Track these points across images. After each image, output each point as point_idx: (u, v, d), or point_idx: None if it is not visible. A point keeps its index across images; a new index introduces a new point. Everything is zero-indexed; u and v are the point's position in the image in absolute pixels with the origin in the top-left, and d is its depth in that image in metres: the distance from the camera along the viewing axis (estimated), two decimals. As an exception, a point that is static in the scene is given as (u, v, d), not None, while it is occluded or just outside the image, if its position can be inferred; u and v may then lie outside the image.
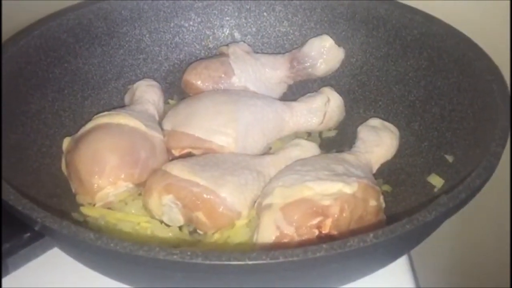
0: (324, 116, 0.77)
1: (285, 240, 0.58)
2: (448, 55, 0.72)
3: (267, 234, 0.59)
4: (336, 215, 0.58)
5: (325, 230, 0.59)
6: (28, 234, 0.53)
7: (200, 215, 0.63)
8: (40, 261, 0.55)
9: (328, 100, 0.77)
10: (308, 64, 0.81)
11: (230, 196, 0.63)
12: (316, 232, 0.59)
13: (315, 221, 0.59)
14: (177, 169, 0.64)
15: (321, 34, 0.82)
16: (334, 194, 0.60)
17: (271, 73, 0.81)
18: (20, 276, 0.56)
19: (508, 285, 0.97)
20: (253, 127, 0.72)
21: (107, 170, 0.65)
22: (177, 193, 0.63)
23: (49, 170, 0.69)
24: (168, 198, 0.64)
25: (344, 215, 0.59)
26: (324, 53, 0.80)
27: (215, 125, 0.71)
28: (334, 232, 0.59)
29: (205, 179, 0.63)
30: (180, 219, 0.65)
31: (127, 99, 0.81)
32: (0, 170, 0.57)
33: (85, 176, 0.65)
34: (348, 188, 0.60)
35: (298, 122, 0.76)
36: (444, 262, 1.07)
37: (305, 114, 0.76)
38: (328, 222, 0.59)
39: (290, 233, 0.58)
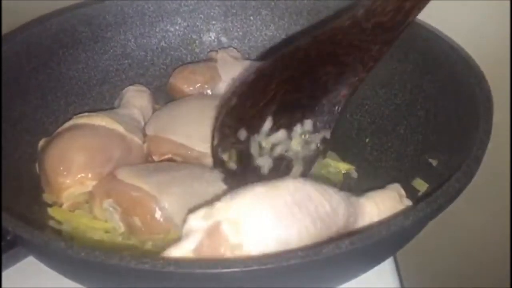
0: (311, 121, 0.76)
1: None
2: (433, 58, 0.71)
3: None
4: None
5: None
6: (2, 243, 0.53)
7: (137, 220, 0.61)
8: (15, 269, 0.55)
9: (315, 105, 0.76)
10: (295, 72, 0.80)
11: (171, 207, 0.60)
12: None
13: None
14: (123, 174, 0.63)
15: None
16: None
17: (258, 79, 0.80)
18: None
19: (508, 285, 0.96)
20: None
21: (74, 169, 0.64)
22: (117, 197, 0.62)
23: (30, 177, 0.68)
24: (108, 202, 0.63)
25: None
26: (311, 62, 0.79)
27: (198, 132, 0.70)
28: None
29: (148, 184, 0.61)
30: (120, 225, 0.63)
31: (116, 103, 0.80)
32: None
33: (52, 174, 0.64)
34: None
35: (284, 129, 0.75)
36: (430, 263, 1.06)
37: (290, 119, 0.75)
38: None
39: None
